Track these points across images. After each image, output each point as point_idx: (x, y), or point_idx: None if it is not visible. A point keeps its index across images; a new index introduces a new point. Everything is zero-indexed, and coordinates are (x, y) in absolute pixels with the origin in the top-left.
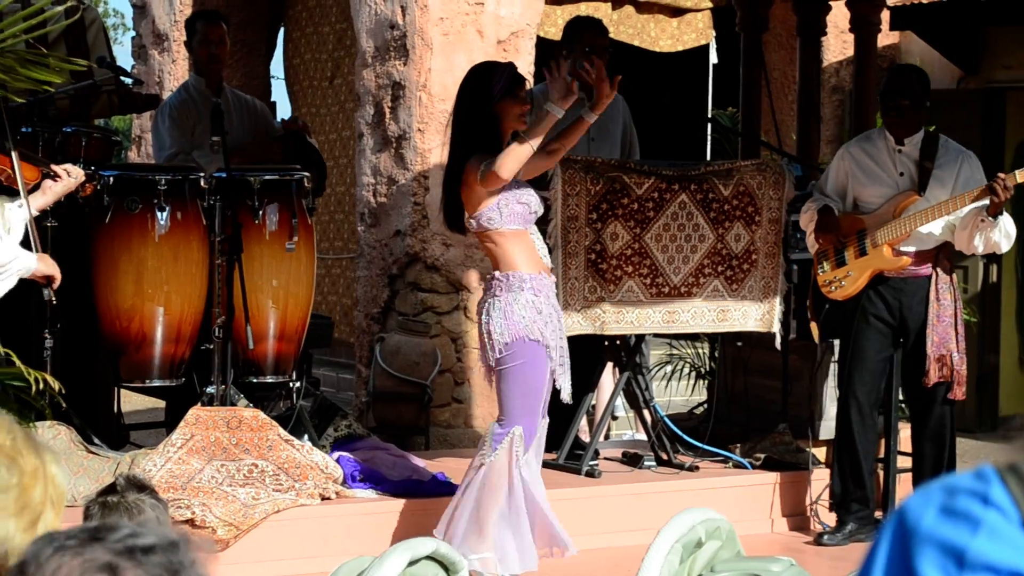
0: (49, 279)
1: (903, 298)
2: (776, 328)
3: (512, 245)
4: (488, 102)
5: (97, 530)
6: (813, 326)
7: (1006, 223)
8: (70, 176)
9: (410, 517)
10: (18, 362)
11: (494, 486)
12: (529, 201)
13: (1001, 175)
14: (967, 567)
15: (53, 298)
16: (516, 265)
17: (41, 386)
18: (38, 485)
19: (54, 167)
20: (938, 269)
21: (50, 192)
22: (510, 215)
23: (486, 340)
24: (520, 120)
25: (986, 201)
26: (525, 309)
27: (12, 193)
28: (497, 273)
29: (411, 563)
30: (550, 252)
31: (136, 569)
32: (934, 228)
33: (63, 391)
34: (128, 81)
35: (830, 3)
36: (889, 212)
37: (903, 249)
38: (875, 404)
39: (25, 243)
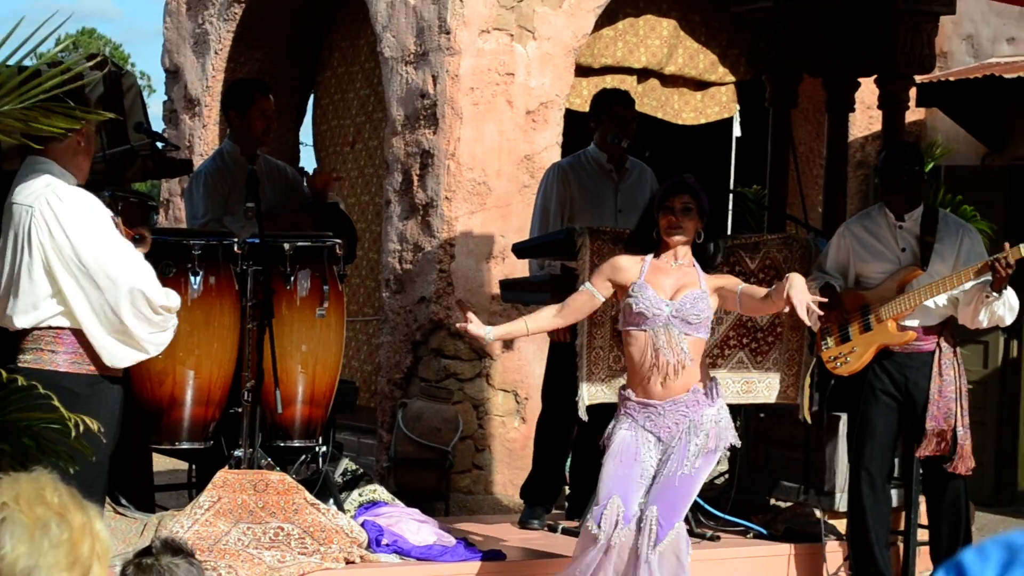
0: None
1: (908, 373)
2: (800, 400)
3: (627, 350)
4: (651, 206)
5: None
6: (806, 408)
7: (1010, 297)
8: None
9: None
10: (61, 407)
11: None
12: (636, 300)
13: (1001, 254)
14: None
15: None
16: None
17: (82, 429)
18: (86, 540)
19: (142, 230)
20: (942, 344)
21: None
22: (625, 315)
23: None
24: (667, 231)
25: (988, 277)
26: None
27: None
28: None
29: None
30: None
31: None
32: (938, 303)
33: (102, 430)
34: (162, 146)
35: (859, 80)
36: (892, 287)
37: (907, 324)
38: (887, 477)
39: None
